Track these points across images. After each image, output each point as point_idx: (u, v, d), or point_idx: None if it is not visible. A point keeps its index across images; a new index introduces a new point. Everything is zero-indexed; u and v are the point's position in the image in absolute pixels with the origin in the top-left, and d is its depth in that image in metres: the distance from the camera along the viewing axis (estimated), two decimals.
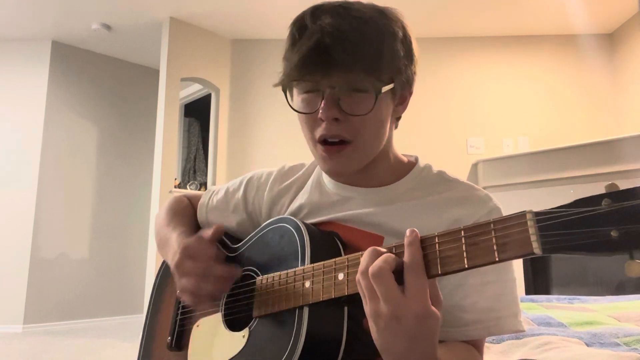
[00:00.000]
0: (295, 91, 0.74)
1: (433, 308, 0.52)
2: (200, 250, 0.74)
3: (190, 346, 0.81)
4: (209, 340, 0.77)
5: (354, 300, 0.64)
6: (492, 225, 0.49)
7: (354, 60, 0.67)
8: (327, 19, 0.69)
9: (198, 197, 0.99)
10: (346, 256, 0.61)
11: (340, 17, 0.69)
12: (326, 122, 0.69)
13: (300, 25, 0.71)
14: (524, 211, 0.47)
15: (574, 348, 1.09)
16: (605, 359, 0.96)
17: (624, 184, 0.43)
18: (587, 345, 1.14)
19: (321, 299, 0.62)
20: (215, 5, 3.85)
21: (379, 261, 0.53)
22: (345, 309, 0.63)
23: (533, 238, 0.45)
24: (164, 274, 0.97)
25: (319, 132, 0.71)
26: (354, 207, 0.78)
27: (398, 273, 0.52)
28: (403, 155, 0.83)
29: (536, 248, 0.45)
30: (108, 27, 4.20)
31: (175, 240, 0.84)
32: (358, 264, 0.58)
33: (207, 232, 0.77)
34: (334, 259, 0.63)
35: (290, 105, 0.74)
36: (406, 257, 0.52)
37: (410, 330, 0.51)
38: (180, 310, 0.88)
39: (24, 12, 3.95)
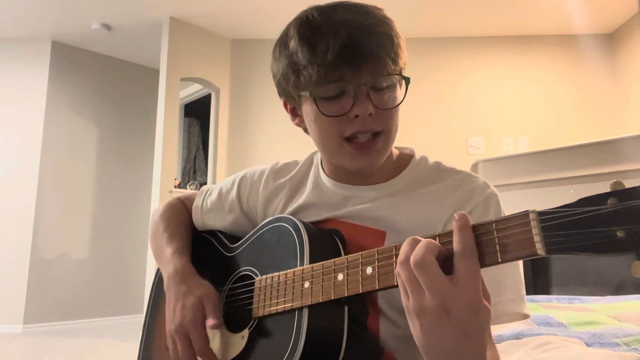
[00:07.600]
0: (317, 99, 0.70)
1: (485, 301, 0.48)
2: (197, 331, 0.72)
3: None
4: (209, 341, 0.77)
5: (354, 300, 0.64)
6: (494, 225, 0.48)
7: (382, 54, 0.68)
8: (342, 15, 0.69)
9: (193, 198, 0.98)
10: (345, 257, 0.61)
11: (352, 13, 0.69)
12: (361, 118, 0.69)
13: (312, 26, 0.69)
14: (526, 211, 0.46)
15: (574, 348, 1.09)
16: (605, 359, 0.96)
17: (625, 184, 0.42)
18: (587, 345, 1.14)
19: (321, 300, 0.61)
20: (215, 5, 3.85)
21: (420, 248, 0.48)
22: (346, 308, 0.63)
23: (536, 239, 0.44)
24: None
25: (350, 130, 0.70)
26: (355, 205, 0.78)
27: (442, 263, 0.48)
28: (398, 148, 0.83)
29: (540, 249, 0.44)
30: (108, 27, 4.20)
31: (170, 257, 0.83)
32: (357, 265, 0.58)
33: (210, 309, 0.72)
34: (333, 260, 0.62)
35: (322, 112, 0.70)
36: (457, 243, 0.48)
37: (461, 323, 0.47)
38: None
39: (24, 12, 3.95)
